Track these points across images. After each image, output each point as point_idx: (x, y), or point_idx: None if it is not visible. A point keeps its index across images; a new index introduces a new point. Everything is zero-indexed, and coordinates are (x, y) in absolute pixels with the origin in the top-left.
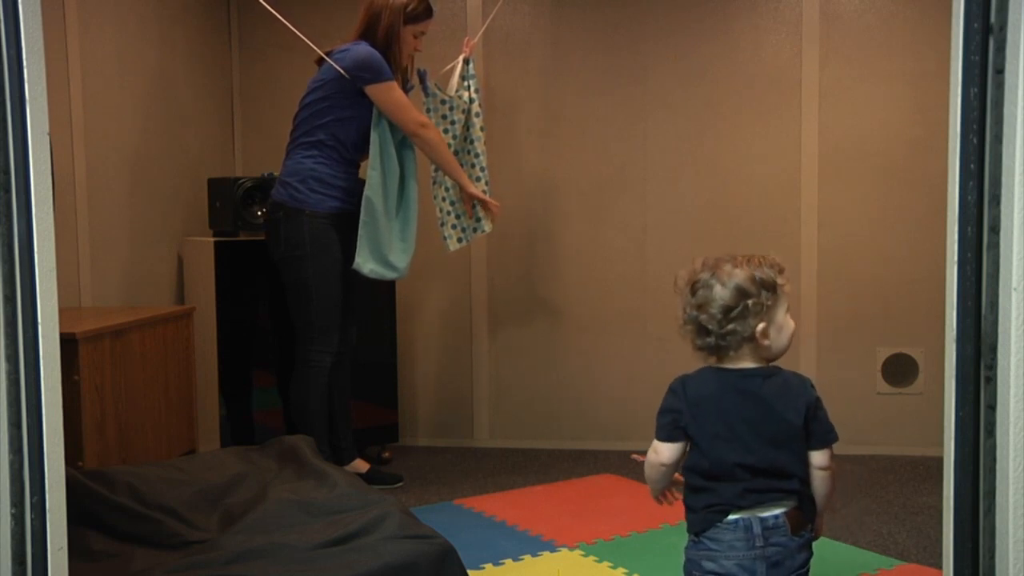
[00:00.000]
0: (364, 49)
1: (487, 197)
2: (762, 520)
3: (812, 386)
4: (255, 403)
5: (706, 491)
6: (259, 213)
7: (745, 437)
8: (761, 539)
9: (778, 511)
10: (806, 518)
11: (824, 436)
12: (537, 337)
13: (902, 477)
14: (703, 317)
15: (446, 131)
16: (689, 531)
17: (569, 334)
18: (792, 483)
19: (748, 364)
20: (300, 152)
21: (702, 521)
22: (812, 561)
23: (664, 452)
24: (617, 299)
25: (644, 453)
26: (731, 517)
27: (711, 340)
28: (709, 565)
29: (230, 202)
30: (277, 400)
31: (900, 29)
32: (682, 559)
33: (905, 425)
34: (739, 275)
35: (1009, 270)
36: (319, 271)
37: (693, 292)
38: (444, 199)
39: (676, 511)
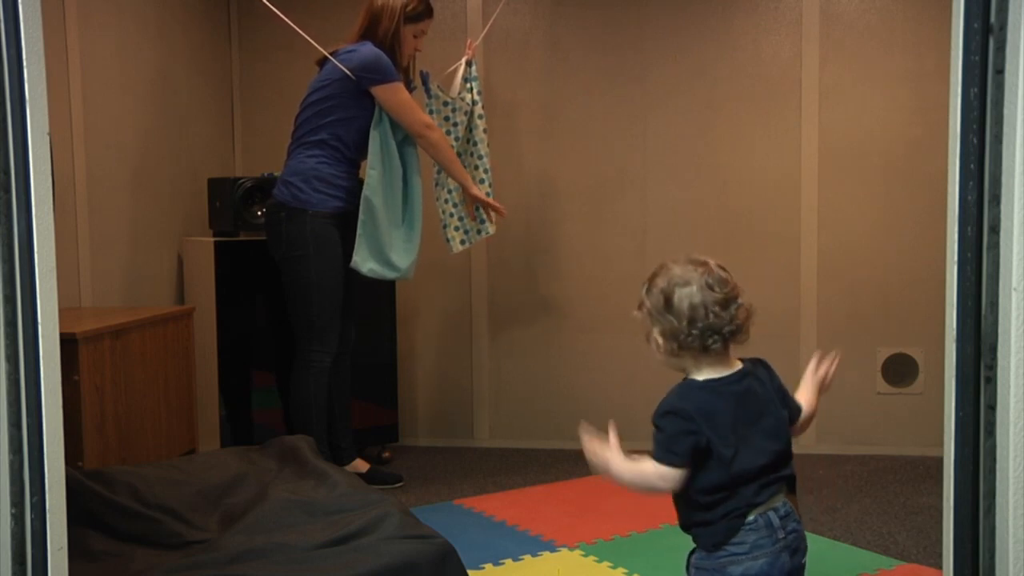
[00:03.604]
0: (370, 50)
1: (490, 200)
2: (777, 511)
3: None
4: (255, 403)
5: (724, 501)
6: (259, 213)
7: (755, 439)
8: (782, 530)
9: (783, 498)
10: (795, 502)
11: (796, 401)
12: (537, 337)
13: (902, 477)
14: (713, 314)
15: (448, 132)
16: (705, 546)
17: (569, 334)
18: (789, 468)
19: (724, 367)
20: (303, 152)
21: (725, 531)
22: (812, 561)
23: (674, 479)
24: (617, 299)
25: (644, 453)
26: (750, 518)
27: (727, 330)
28: (735, 570)
29: (230, 202)
30: (277, 400)
31: (900, 29)
32: (682, 559)
33: (905, 425)
34: (714, 270)
35: (1009, 270)
36: (321, 271)
37: (720, 286)
38: (447, 201)
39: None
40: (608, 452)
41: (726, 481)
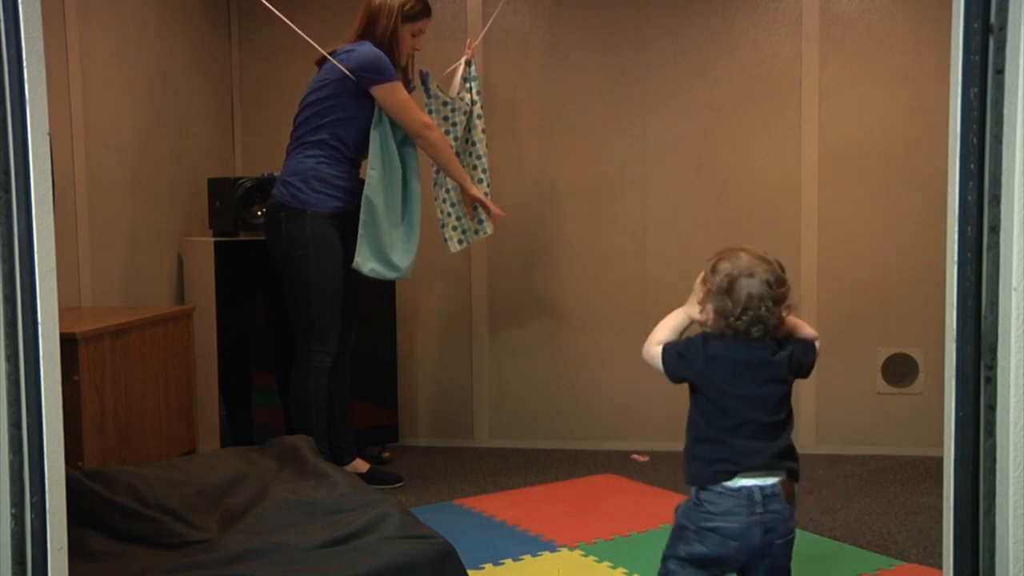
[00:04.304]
0: (369, 50)
1: (488, 200)
2: (762, 488)
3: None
4: (255, 403)
5: (716, 442)
6: (259, 213)
7: (752, 396)
8: (760, 506)
9: (775, 480)
10: (794, 490)
11: (809, 363)
12: (537, 337)
13: (902, 477)
14: (765, 308)
15: (447, 132)
16: (692, 482)
17: (569, 334)
18: (787, 443)
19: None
20: (302, 152)
21: (711, 475)
22: (812, 561)
23: (654, 359)
24: (617, 299)
25: (644, 453)
26: (735, 484)
27: (772, 323)
28: (708, 525)
29: (230, 202)
30: (277, 400)
31: (900, 29)
32: None
33: (905, 425)
34: (776, 270)
35: (1009, 270)
36: (321, 271)
37: (777, 284)
38: (445, 200)
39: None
40: (692, 300)
41: (719, 415)
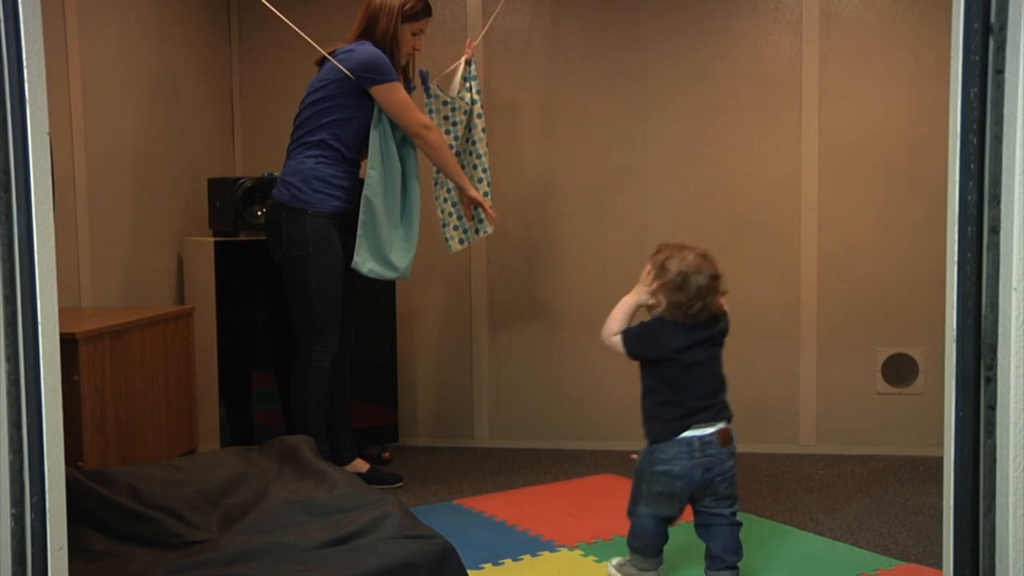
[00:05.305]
0: (369, 50)
1: (487, 202)
2: (700, 438)
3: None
4: (255, 403)
5: (675, 403)
6: (259, 213)
7: (697, 362)
8: (699, 452)
9: (712, 429)
10: (731, 434)
11: (727, 328)
12: (537, 337)
13: (902, 477)
14: (710, 298)
15: (448, 132)
16: (653, 439)
17: (569, 334)
18: (725, 395)
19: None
20: (302, 152)
21: (670, 431)
22: (812, 561)
23: (616, 345)
24: (617, 299)
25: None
26: (680, 436)
27: (714, 309)
28: (659, 468)
29: (230, 202)
30: (277, 400)
31: (900, 29)
32: (681, 559)
33: (905, 425)
34: (715, 265)
35: (1009, 270)
36: (321, 271)
37: (717, 278)
38: (446, 200)
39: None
40: (639, 287)
41: (677, 381)
